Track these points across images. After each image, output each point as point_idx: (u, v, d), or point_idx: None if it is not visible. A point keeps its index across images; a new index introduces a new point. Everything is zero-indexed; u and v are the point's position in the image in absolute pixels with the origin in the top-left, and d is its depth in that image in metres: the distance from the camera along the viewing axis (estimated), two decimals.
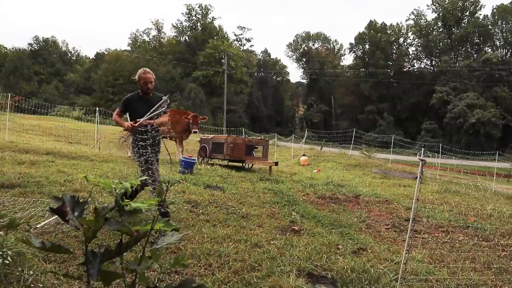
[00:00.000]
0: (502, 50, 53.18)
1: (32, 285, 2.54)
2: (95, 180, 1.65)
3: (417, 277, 3.44)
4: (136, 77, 4.54)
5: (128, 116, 4.95)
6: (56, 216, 3.63)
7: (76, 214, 1.43)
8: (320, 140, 32.96)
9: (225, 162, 11.05)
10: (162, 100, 4.42)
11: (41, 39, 62.75)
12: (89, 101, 47.60)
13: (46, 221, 3.60)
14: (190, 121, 10.50)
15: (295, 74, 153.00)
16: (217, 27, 62.33)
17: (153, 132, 4.44)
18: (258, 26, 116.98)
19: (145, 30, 66.76)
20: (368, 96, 54.78)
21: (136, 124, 4.31)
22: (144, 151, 4.34)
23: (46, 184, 5.63)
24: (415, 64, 59.62)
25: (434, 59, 57.13)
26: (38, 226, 3.53)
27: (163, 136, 10.96)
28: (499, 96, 44.72)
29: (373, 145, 30.35)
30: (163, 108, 4.42)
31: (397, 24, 58.69)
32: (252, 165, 11.46)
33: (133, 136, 4.50)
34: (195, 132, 10.85)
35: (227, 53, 51.63)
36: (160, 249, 2.80)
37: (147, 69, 4.61)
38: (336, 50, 66.34)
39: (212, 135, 12.44)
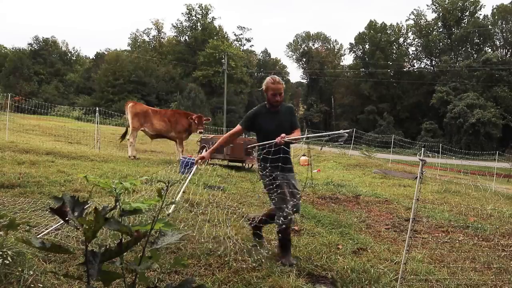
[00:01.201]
0: (502, 50, 53.17)
1: (32, 285, 2.54)
2: (95, 180, 1.65)
3: (417, 277, 3.43)
4: (263, 86, 3.82)
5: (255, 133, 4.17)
6: (58, 223, 3.57)
7: (76, 214, 1.43)
8: (320, 140, 32.93)
9: (225, 162, 11.06)
10: (340, 132, 3.82)
11: (41, 39, 62.55)
12: (89, 101, 47.48)
13: (47, 230, 3.59)
14: (195, 121, 11.02)
15: (295, 74, 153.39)
16: (217, 27, 62.33)
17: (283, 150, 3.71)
18: (258, 26, 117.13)
19: (145, 30, 66.83)
20: (368, 96, 54.73)
21: (283, 141, 3.54)
22: (273, 175, 3.63)
23: (46, 184, 5.64)
24: (415, 64, 59.62)
25: (434, 59, 57.09)
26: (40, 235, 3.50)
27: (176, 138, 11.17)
28: (499, 96, 44.70)
29: (373, 145, 30.36)
30: (340, 139, 3.89)
31: (397, 24, 58.71)
32: (252, 165, 11.46)
33: (260, 155, 3.76)
34: (200, 133, 11.31)
35: (227, 53, 51.63)
36: (160, 249, 2.80)
37: (277, 78, 3.80)
38: (336, 50, 66.30)
39: (212, 135, 12.43)
